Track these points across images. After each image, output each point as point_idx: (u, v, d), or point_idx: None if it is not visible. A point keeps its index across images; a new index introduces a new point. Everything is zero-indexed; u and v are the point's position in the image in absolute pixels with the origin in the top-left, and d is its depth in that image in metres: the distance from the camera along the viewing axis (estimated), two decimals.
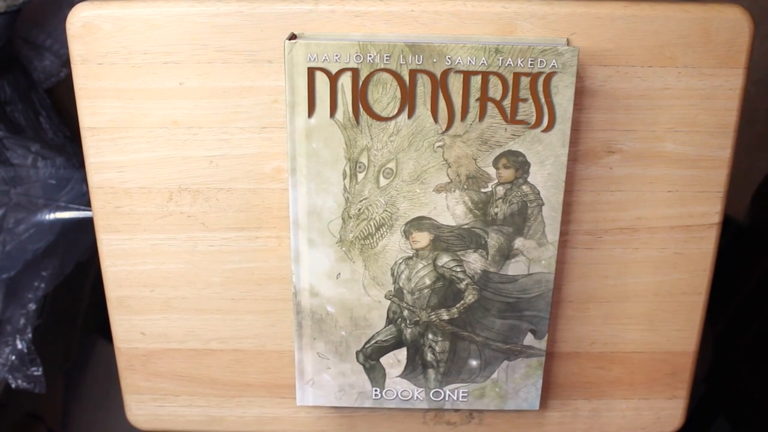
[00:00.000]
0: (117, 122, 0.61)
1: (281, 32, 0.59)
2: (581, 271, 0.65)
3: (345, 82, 0.56)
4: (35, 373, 1.03)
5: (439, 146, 0.58)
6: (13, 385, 1.02)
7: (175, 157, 0.62)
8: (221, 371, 0.69)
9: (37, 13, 1.10)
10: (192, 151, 0.62)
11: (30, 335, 1.02)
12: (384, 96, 0.57)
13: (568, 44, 0.58)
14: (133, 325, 0.68)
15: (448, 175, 0.59)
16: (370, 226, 0.61)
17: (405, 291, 0.62)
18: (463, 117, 0.57)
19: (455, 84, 0.56)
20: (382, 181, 0.59)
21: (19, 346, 1.02)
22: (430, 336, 0.64)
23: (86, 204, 1.03)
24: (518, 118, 0.57)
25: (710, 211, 0.64)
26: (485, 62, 0.56)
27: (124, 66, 0.60)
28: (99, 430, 1.23)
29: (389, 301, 0.63)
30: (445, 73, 0.56)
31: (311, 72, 0.56)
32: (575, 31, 0.59)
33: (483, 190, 0.59)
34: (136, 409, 0.71)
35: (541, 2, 0.58)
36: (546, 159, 0.58)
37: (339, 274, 0.62)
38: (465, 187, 0.59)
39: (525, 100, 0.57)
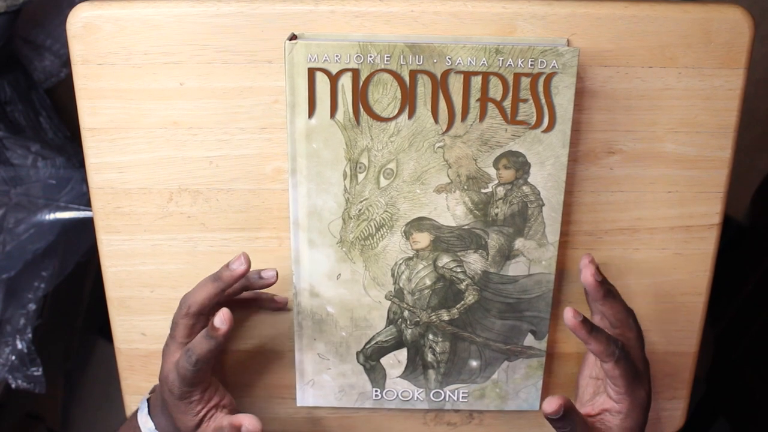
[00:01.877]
0: (117, 123, 0.61)
1: (281, 33, 0.59)
2: None
3: (345, 82, 0.56)
4: (35, 373, 1.04)
5: (439, 147, 0.58)
6: (13, 385, 1.02)
7: (175, 158, 0.62)
8: (221, 372, 0.68)
9: (37, 13, 1.10)
10: (192, 151, 0.62)
11: (30, 335, 1.02)
12: (384, 96, 0.57)
13: (568, 45, 0.58)
14: (133, 326, 0.67)
15: (448, 175, 0.59)
16: (371, 226, 0.61)
17: (405, 291, 0.62)
18: (464, 117, 0.57)
19: (455, 84, 0.56)
20: (383, 182, 0.59)
21: (19, 346, 1.02)
22: (431, 336, 0.64)
23: (86, 204, 1.03)
24: (518, 118, 0.57)
25: (710, 211, 0.64)
26: (485, 63, 0.56)
27: (124, 66, 0.60)
28: (99, 430, 1.23)
29: (389, 302, 0.63)
30: (446, 74, 0.56)
31: (311, 72, 0.56)
32: (575, 32, 0.59)
33: (483, 190, 0.59)
34: None
35: (541, 3, 0.58)
36: (546, 159, 0.58)
37: (339, 274, 0.62)
38: (465, 187, 0.59)
39: (525, 101, 0.57)
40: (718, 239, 0.65)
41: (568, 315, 0.55)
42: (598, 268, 0.57)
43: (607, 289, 0.58)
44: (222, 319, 0.56)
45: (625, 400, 0.58)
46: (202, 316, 0.59)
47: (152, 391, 0.65)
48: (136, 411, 0.64)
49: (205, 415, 0.59)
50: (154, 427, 0.61)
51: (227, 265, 0.58)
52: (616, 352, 0.56)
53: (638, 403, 0.58)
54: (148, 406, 0.63)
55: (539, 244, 0.61)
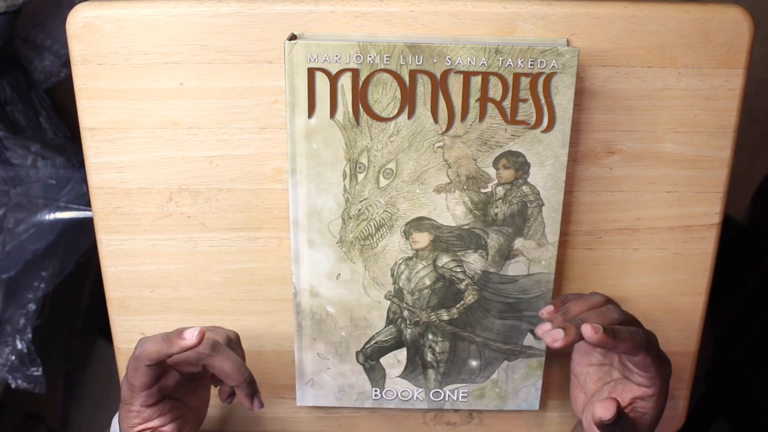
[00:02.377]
0: (117, 123, 0.61)
1: (281, 33, 0.59)
2: (581, 271, 0.65)
3: (345, 82, 0.56)
4: (35, 373, 1.03)
5: (439, 147, 0.58)
6: (13, 385, 1.02)
7: (175, 158, 0.62)
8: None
9: (37, 13, 1.10)
10: (192, 151, 0.62)
11: (30, 335, 1.02)
12: (384, 96, 0.57)
13: (568, 45, 0.58)
14: (133, 326, 0.68)
15: (448, 175, 0.59)
16: (370, 226, 0.61)
17: (405, 291, 0.62)
18: (463, 117, 0.57)
19: (455, 84, 0.56)
20: (382, 182, 0.59)
21: (19, 346, 1.02)
22: (430, 336, 0.64)
23: (86, 204, 1.03)
24: (518, 118, 0.57)
25: (710, 211, 0.64)
26: (485, 63, 0.56)
27: (124, 66, 0.60)
28: (99, 430, 1.23)
29: (389, 302, 0.63)
30: (445, 74, 0.56)
31: (311, 72, 0.56)
32: (575, 32, 0.59)
33: (483, 190, 0.59)
34: None
35: (541, 3, 0.58)
36: (546, 159, 0.58)
37: (339, 274, 0.62)
38: (465, 187, 0.59)
39: (525, 101, 0.57)
40: (717, 239, 0.65)
41: (589, 333, 0.52)
42: (595, 329, 0.53)
43: (612, 333, 0.54)
44: (193, 333, 0.53)
45: (657, 382, 0.57)
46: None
47: None
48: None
49: (140, 430, 0.57)
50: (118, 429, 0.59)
51: (180, 332, 0.54)
52: (643, 341, 0.55)
53: (665, 378, 0.57)
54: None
55: (539, 244, 0.61)
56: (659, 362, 0.56)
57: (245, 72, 0.60)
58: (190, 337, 0.53)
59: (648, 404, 0.58)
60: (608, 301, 0.59)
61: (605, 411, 0.53)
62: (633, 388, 0.58)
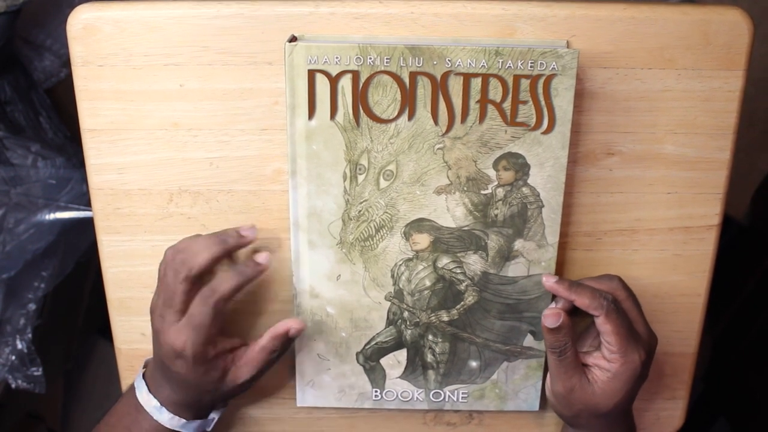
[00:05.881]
0: (117, 124, 0.61)
1: (282, 34, 0.59)
2: (581, 272, 0.65)
3: (345, 84, 0.56)
4: (35, 373, 1.04)
5: (439, 148, 0.58)
6: (13, 385, 1.02)
7: (176, 159, 0.62)
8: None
9: (37, 13, 1.11)
10: (192, 152, 0.62)
11: (30, 335, 1.03)
12: (384, 98, 0.57)
13: (568, 46, 0.58)
14: (133, 326, 0.68)
15: (448, 177, 0.59)
16: (370, 227, 0.61)
17: (405, 292, 0.63)
18: (464, 119, 0.57)
19: (455, 86, 0.56)
20: (383, 183, 0.59)
21: (19, 346, 1.03)
22: (430, 337, 0.64)
23: (86, 204, 1.03)
24: (518, 120, 0.57)
25: (710, 212, 0.64)
26: (485, 64, 0.56)
27: (124, 68, 0.60)
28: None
29: (389, 303, 0.63)
30: (445, 76, 0.56)
31: (311, 74, 0.56)
32: (575, 34, 0.59)
33: (483, 191, 0.60)
34: None
35: (540, 4, 0.58)
36: (546, 161, 0.59)
37: (339, 275, 0.62)
38: (465, 188, 0.59)
39: (525, 102, 0.57)
40: (717, 240, 0.65)
41: (543, 279, 0.59)
42: (549, 277, 0.59)
43: (568, 283, 0.58)
44: (266, 256, 0.58)
45: (617, 360, 0.57)
46: (199, 281, 0.57)
47: (145, 366, 0.64)
48: (131, 390, 0.62)
49: (226, 365, 0.59)
50: (159, 404, 0.60)
51: (237, 231, 0.60)
52: (605, 304, 0.57)
53: (630, 367, 0.57)
54: (146, 384, 0.61)
55: (539, 245, 0.61)
56: (624, 338, 0.57)
57: (246, 73, 0.60)
58: (251, 234, 0.60)
59: (601, 377, 0.58)
60: (623, 285, 0.61)
61: (549, 310, 0.57)
62: (597, 355, 0.59)
